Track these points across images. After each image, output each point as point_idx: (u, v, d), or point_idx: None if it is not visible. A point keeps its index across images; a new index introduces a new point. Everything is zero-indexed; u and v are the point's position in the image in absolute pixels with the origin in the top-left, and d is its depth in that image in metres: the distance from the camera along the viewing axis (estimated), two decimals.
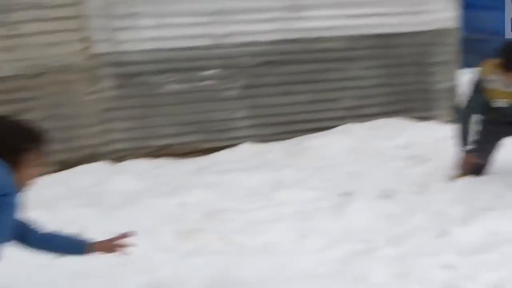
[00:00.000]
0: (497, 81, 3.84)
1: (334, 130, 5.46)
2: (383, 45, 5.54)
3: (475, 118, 4.11)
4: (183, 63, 5.02)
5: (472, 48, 6.61)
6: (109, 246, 2.16)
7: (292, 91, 5.38)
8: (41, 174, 1.98)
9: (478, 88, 3.95)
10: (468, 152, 4.05)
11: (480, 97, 3.96)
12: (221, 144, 5.24)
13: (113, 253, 2.19)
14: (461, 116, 4.21)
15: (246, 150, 5.21)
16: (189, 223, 3.64)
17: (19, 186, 1.81)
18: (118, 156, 5.00)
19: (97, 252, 2.16)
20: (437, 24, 5.45)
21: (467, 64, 6.05)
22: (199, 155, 5.14)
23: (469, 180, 4.12)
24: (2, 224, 1.72)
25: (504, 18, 7.01)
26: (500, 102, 3.90)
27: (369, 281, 2.90)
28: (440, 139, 5.15)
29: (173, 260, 3.13)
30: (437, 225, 3.52)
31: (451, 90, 5.87)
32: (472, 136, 4.09)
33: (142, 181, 4.48)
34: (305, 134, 5.41)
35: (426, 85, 5.77)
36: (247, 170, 4.66)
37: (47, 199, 3.91)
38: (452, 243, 3.28)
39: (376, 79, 5.60)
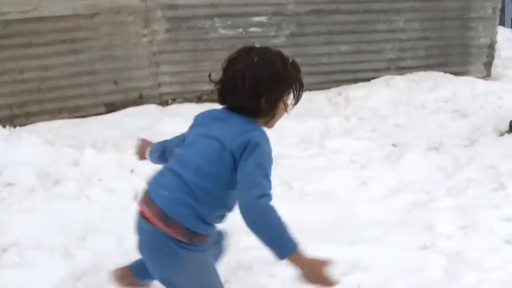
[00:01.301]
0: None
1: (375, 81, 5.41)
2: None
3: None
4: (233, 9, 4.89)
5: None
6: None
7: (336, 41, 5.29)
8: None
9: None
10: None
11: None
12: None
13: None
14: None
15: None
16: None
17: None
18: (166, 99, 4.97)
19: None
20: None
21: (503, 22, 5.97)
22: None
23: None
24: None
25: None
26: None
27: (435, 231, 2.92)
28: (479, 94, 5.12)
29: None
30: (491, 178, 3.52)
31: (490, 46, 5.78)
32: None
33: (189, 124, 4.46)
34: (346, 84, 5.36)
35: (466, 40, 5.67)
36: (295, 117, 4.60)
37: (108, 140, 3.91)
38: (510, 196, 3.30)
39: (419, 32, 5.50)
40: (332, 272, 1.51)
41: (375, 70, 5.45)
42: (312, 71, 5.25)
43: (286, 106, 1.75)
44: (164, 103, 4.95)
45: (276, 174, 3.48)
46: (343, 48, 5.32)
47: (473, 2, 5.56)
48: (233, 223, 1.76)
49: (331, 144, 4.12)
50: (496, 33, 5.81)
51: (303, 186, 3.47)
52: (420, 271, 2.53)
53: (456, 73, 5.63)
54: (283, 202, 3.19)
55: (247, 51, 1.68)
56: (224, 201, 1.69)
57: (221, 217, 1.75)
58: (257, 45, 1.72)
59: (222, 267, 2.11)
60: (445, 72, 5.64)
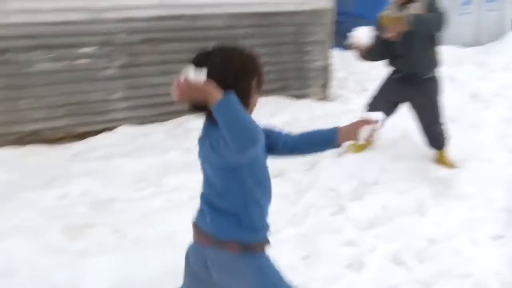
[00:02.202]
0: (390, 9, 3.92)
1: None
2: (263, 23, 5.49)
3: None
4: (55, 39, 4.50)
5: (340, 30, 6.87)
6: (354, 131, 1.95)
7: (173, 70, 5.08)
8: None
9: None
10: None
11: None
12: (97, 127, 4.84)
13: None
14: None
15: (125, 133, 4.87)
16: (77, 218, 3.26)
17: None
18: None
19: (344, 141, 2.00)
20: (314, 4, 5.51)
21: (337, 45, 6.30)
22: (73, 141, 4.69)
23: (356, 155, 4.25)
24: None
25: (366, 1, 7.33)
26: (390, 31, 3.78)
27: (279, 265, 2.82)
28: (317, 116, 5.29)
29: (66, 263, 2.77)
30: (331, 202, 3.57)
31: (325, 69, 6.03)
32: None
33: (11, 172, 3.97)
34: (186, 114, 5.20)
35: (303, 63, 5.86)
36: (130, 154, 4.34)
37: None
38: (350, 219, 3.35)
39: None
40: None
41: None
42: (149, 103, 5.04)
43: (257, 91, 1.85)
44: None
45: (106, 222, 3.23)
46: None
47: (306, 27, 5.77)
48: None
49: (170, 181, 3.90)
50: (330, 55, 6.08)
51: (138, 232, 3.18)
52: None
53: (295, 97, 5.78)
54: (115, 254, 2.92)
55: (207, 56, 1.81)
56: (248, 196, 1.82)
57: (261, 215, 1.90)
58: (211, 47, 1.86)
59: None
60: (285, 96, 5.75)
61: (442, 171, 3.94)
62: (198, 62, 1.79)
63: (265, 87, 5.68)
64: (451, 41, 8.14)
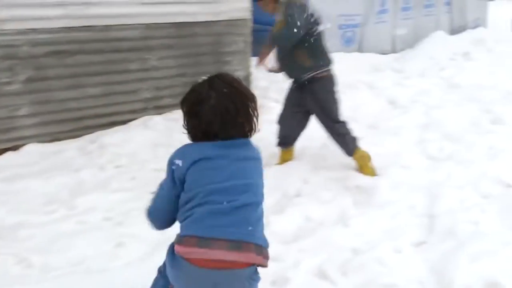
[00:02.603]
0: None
1: (132, 123, 5.15)
2: (180, 34, 5.36)
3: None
4: None
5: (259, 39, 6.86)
6: None
7: (83, 84, 4.89)
8: None
9: None
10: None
11: None
12: (0, 146, 4.52)
13: None
14: None
15: (34, 151, 4.59)
16: None
17: None
18: None
19: None
20: (231, 14, 5.45)
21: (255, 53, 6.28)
22: None
23: (278, 167, 4.21)
24: None
25: None
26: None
27: None
28: None
29: None
30: None
31: (246, 78, 5.99)
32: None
33: None
34: (100, 129, 4.98)
35: None
36: (39, 174, 4.09)
37: None
38: (273, 233, 3.27)
39: (174, 69, 5.43)
40: None
41: (132, 112, 5.19)
42: (59, 119, 4.79)
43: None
44: None
45: (11, 253, 2.98)
46: (93, 91, 4.94)
47: (224, 37, 5.71)
48: None
49: (83, 201, 3.68)
50: (250, 65, 6.04)
51: (46, 260, 2.97)
52: None
53: None
54: (21, 286, 2.70)
55: (210, 86, 1.88)
56: None
57: None
58: (208, 76, 1.95)
59: None
60: None
61: (363, 180, 3.96)
62: (204, 96, 1.88)
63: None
64: (369, 49, 8.40)
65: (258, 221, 1.87)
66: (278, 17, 3.95)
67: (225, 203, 1.78)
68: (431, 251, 3.06)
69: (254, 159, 1.93)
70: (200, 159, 1.83)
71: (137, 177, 4.14)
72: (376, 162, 4.19)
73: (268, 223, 3.35)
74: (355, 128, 5.05)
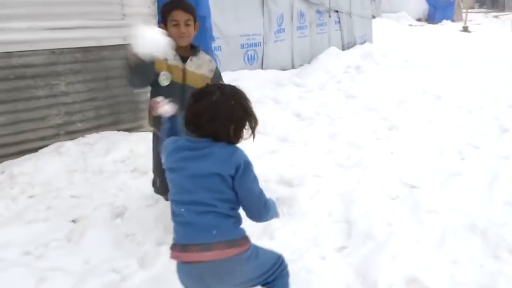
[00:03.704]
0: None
1: (43, 151, 4.77)
2: (88, 59, 5.08)
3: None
4: None
5: None
6: None
7: None
8: None
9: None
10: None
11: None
12: None
13: None
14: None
15: None
16: None
17: None
18: None
19: None
20: None
21: None
22: None
23: None
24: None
25: None
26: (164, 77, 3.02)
27: None
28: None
29: None
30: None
31: None
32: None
33: None
34: (9, 159, 4.58)
35: (134, 96, 5.54)
36: None
37: None
38: None
39: (84, 93, 5.12)
40: None
41: (42, 139, 4.83)
42: None
43: (243, 134, 2.06)
44: None
45: None
46: None
47: None
48: None
49: None
50: None
51: None
52: None
53: (130, 130, 5.45)
54: None
55: (217, 89, 2.01)
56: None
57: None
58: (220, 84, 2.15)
59: None
60: (119, 130, 5.39)
61: (282, 191, 3.93)
62: (209, 91, 2.02)
63: (96, 122, 5.26)
64: (270, 66, 8.50)
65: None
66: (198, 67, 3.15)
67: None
68: (353, 254, 3.08)
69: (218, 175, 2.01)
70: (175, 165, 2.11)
71: (53, 206, 3.82)
72: (291, 173, 4.20)
73: None
74: (267, 142, 5.09)
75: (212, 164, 1.96)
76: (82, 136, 5.09)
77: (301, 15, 9.29)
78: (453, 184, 4.09)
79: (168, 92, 2.89)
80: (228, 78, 6.86)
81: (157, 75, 2.99)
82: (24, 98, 4.68)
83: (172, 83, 3.03)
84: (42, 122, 4.84)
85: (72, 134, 5.04)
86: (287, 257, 2.99)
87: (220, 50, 7.51)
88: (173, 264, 2.97)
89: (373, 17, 13.47)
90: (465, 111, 6.48)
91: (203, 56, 3.19)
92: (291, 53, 9.11)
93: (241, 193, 2.02)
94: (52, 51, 4.80)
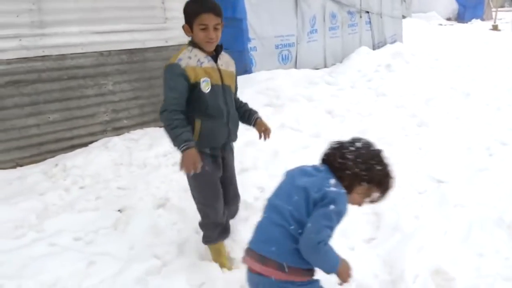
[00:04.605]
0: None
1: (93, 145, 4.93)
2: (133, 60, 5.21)
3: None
4: None
5: None
6: None
7: (43, 111, 4.64)
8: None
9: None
10: None
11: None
12: None
13: None
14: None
15: None
16: None
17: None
18: None
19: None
20: (179, 39, 5.30)
21: None
22: None
23: None
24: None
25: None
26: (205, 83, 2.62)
27: None
28: None
29: None
30: None
31: None
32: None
33: None
34: (62, 152, 4.75)
35: None
36: (5, 200, 3.82)
37: None
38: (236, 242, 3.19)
39: (129, 92, 5.26)
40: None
41: (92, 134, 4.99)
42: (21, 145, 4.53)
43: (364, 196, 2.11)
44: None
45: None
46: (53, 117, 4.70)
47: None
48: None
49: (51, 224, 3.47)
50: None
51: (19, 284, 2.76)
52: None
53: None
54: None
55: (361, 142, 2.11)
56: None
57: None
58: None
59: None
60: (161, 127, 5.49)
61: None
62: (354, 140, 2.15)
63: (140, 119, 5.40)
64: (304, 65, 8.48)
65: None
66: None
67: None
68: (381, 246, 3.08)
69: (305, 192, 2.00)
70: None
71: (102, 196, 3.95)
72: None
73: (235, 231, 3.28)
74: (300, 138, 5.09)
75: (308, 179, 1.97)
76: (128, 132, 5.24)
77: (333, 16, 9.23)
78: (480, 179, 4.02)
79: (210, 96, 2.63)
80: (263, 77, 6.93)
81: (196, 84, 2.59)
82: (75, 97, 4.84)
83: (212, 87, 2.64)
84: (91, 119, 5.00)
85: (118, 130, 5.18)
86: None
87: (256, 50, 7.54)
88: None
89: (404, 17, 13.24)
90: (494, 108, 6.32)
91: (224, 53, 2.80)
92: (323, 52, 9.06)
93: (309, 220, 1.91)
94: (101, 53, 4.95)
